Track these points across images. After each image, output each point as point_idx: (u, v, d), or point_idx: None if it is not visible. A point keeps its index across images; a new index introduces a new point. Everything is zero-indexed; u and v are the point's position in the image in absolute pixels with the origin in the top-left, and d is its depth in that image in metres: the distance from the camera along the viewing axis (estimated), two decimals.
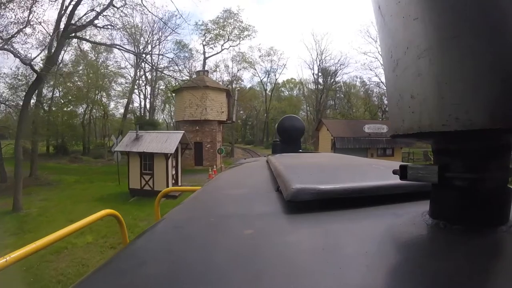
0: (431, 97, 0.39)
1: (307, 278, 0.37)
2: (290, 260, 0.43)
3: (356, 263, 0.40)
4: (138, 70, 33.56)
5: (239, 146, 45.48)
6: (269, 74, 49.43)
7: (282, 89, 55.42)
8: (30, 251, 1.49)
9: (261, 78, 49.84)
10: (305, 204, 0.63)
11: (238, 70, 43.68)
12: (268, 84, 49.70)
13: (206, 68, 31.22)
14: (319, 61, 43.40)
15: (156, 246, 0.56)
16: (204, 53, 37.37)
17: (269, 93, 49.59)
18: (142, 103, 37.71)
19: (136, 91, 35.50)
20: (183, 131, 14.43)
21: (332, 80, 43.53)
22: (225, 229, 0.60)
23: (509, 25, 0.34)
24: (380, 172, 0.94)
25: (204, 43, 36.84)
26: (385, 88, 0.43)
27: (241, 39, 38.37)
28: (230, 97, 25.03)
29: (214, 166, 18.69)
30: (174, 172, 13.61)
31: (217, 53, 38.22)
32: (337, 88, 44.63)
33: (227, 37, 37.38)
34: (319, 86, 44.22)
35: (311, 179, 0.80)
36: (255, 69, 47.26)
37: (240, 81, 44.67)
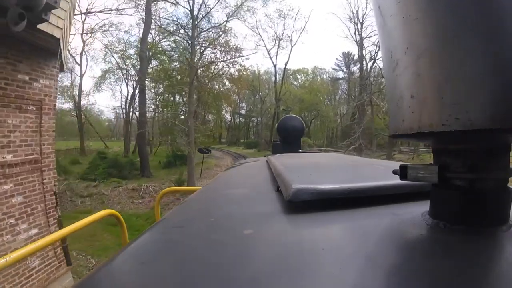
0: (431, 97, 0.39)
1: (307, 278, 0.37)
2: (290, 260, 0.43)
3: (356, 263, 0.40)
4: None
5: (235, 151, 34.21)
6: (279, 42, 31.82)
7: (291, 77, 41.56)
8: (30, 251, 1.50)
9: (268, 50, 33.26)
10: (305, 204, 0.63)
11: (226, 21, 20.24)
12: (279, 71, 33.91)
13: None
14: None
15: (156, 246, 0.56)
16: None
17: (281, 73, 34.10)
18: None
19: None
20: None
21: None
22: (225, 229, 0.60)
23: (509, 25, 0.34)
24: (380, 172, 0.94)
25: None
26: None
27: None
28: None
29: None
30: None
31: None
32: (361, 75, 27.06)
33: None
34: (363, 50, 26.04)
35: (311, 179, 0.80)
36: (259, 34, 30.45)
37: (229, 33, 20.12)
